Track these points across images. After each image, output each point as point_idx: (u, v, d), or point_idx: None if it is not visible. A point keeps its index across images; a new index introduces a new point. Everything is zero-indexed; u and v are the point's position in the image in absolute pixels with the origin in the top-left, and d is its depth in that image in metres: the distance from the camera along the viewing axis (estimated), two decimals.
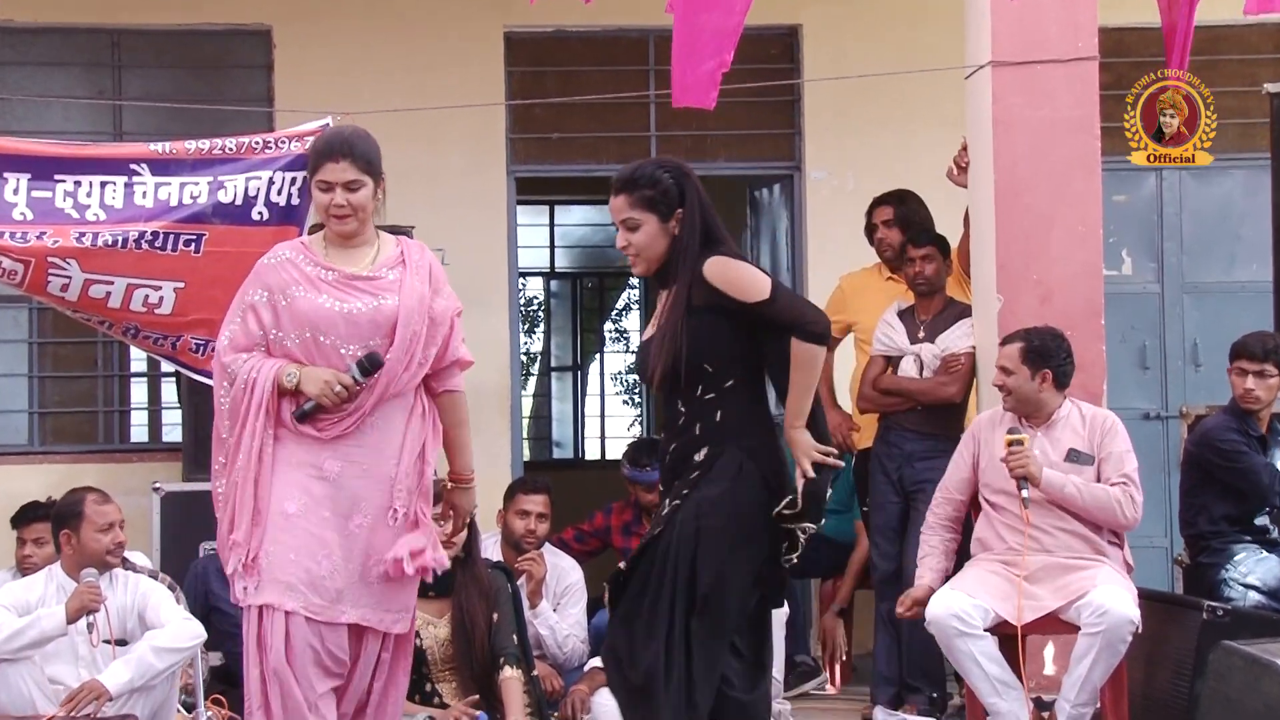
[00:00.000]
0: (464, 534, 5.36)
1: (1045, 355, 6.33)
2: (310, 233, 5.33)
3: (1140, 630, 5.94)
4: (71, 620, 5.80)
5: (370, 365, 4.96)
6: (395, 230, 7.62)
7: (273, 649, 4.90)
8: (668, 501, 5.05)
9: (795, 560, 5.00)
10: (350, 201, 5.04)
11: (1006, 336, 6.46)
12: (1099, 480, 6.24)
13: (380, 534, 5.01)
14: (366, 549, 5.00)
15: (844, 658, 7.75)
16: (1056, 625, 6.09)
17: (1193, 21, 6.80)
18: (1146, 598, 6.22)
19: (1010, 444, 6.16)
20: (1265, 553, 6.86)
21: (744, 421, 5.00)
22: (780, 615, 6.59)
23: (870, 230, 7.65)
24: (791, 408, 4.98)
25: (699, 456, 5.01)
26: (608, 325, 15.03)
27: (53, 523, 6.25)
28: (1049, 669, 6.47)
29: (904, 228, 7.43)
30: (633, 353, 15.02)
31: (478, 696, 6.19)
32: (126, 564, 6.17)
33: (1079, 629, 5.96)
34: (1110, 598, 5.91)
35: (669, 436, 5.10)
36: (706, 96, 6.40)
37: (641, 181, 5.04)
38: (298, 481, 4.97)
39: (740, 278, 4.97)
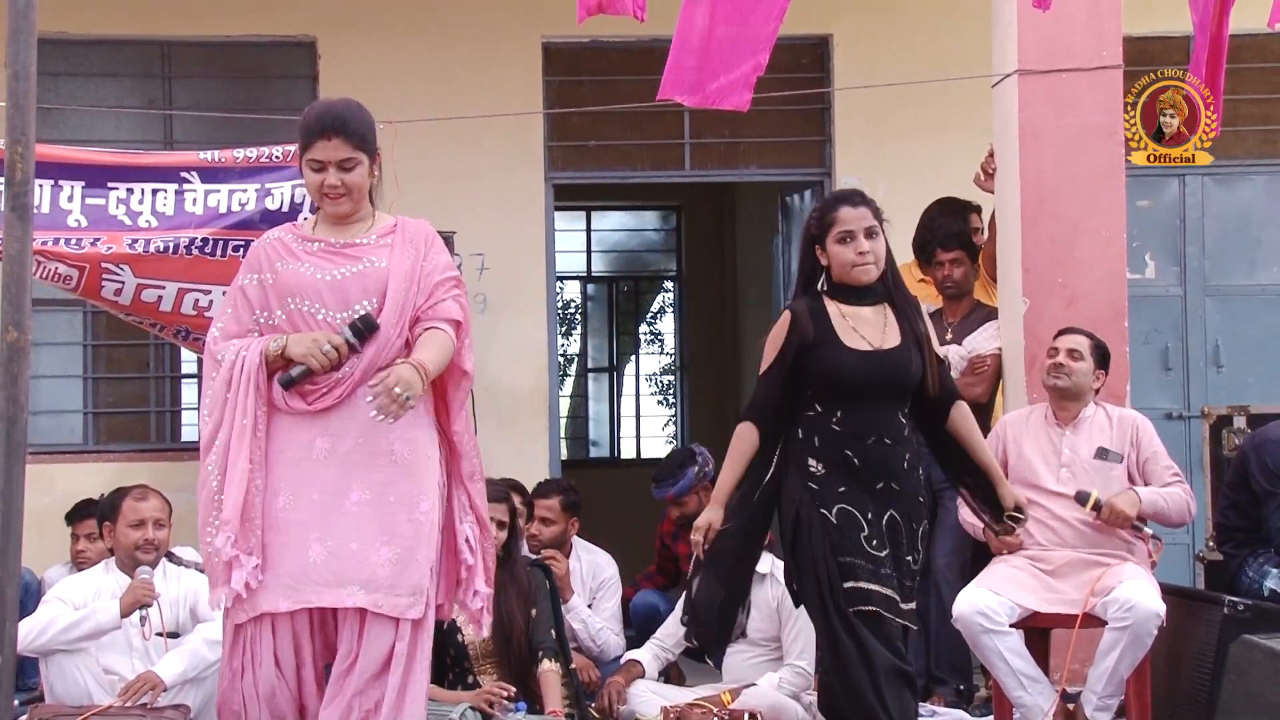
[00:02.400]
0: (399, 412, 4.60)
1: (1105, 358, 6.39)
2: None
3: (1164, 624, 5.93)
4: (125, 614, 5.84)
5: (365, 327, 4.63)
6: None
7: (263, 662, 4.65)
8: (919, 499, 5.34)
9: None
10: (345, 181, 4.69)
11: (1068, 328, 6.45)
12: (1143, 478, 6.28)
13: (386, 512, 4.62)
14: (373, 528, 4.60)
15: None
16: (1082, 619, 6.04)
17: (1225, 33, 6.59)
18: (1169, 593, 6.19)
19: (1093, 508, 6.14)
20: None
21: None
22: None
23: (955, 228, 7.31)
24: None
25: (923, 473, 5.39)
26: (643, 328, 15.04)
27: (98, 518, 6.32)
28: (1074, 662, 6.27)
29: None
30: (667, 354, 15.02)
31: (514, 689, 6.20)
32: (173, 558, 6.21)
33: (1105, 623, 5.96)
34: (1137, 592, 5.90)
35: (897, 442, 5.27)
36: (741, 98, 6.21)
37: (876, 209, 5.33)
38: (283, 469, 4.63)
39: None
